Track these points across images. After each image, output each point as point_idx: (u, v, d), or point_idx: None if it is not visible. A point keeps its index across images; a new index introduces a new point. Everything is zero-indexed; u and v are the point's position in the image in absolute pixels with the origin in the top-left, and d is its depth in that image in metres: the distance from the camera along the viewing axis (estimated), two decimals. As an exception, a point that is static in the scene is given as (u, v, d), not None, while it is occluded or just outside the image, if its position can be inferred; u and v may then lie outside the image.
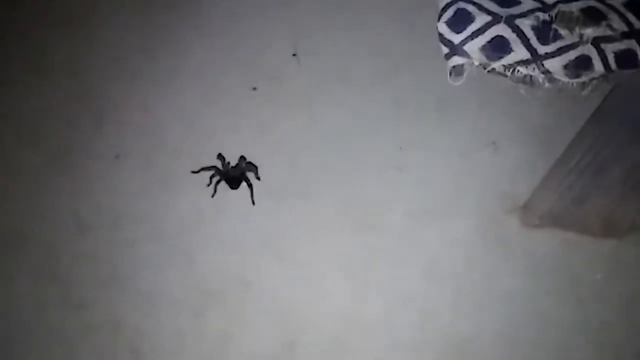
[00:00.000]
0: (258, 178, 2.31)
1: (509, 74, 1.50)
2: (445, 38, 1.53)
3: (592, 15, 1.51)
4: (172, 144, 2.36)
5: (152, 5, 2.68)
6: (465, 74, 1.54)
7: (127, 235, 2.19)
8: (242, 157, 2.32)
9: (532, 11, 1.52)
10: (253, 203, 2.27)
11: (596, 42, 1.47)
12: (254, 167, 2.32)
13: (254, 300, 2.10)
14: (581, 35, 1.48)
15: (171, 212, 2.24)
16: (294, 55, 2.54)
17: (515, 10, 1.52)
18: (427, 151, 2.36)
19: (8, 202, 2.24)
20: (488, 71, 1.51)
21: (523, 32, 1.48)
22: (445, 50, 1.53)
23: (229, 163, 2.31)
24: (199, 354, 2.02)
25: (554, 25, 1.49)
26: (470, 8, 1.53)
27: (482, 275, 2.15)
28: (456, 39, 1.52)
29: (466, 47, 1.50)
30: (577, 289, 2.13)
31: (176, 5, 2.68)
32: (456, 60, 1.52)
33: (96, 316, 2.06)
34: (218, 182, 2.27)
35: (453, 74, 1.54)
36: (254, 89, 2.48)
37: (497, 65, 1.49)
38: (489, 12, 1.52)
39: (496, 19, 1.50)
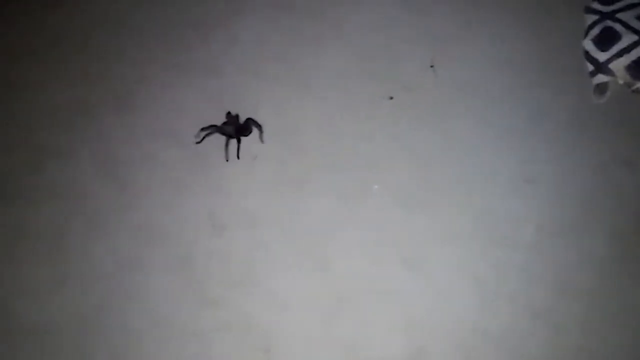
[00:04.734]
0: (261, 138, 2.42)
1: (654, 94, 1.50)
2: (590, 56, 1.54)
3: None
4: (308, 147, 2.42)
5: (292, 12, 2.76)
6: (609, 92, 1.54)
7: (261, 236, 2.25)
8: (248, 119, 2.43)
9: (680, 31, 1.51)
10: (238, 157, 2.37)
11: None
12: (258, 126, 2.42)
13: (383, 308, 2.13)
14: None
15: (306, 215, 2.29)
16: (431, 66, 2.57)
17: (663, 29, 1.52)
18: (560, 166, 2.34)
19: (149, 199, 2.33)
20: (633, 90, 1.51)
21: (671, 52, 1.48)
22: (590, 67, 1.54)
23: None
24: (328, 358, 2.06)
25: (702, 46, 1.48)
26: (618, 27, 1.52)
27: (613, 292, 2.12)
28: (602, 57, 1.52)
29: (611, 66, 1.51)
30: None
31: (317, 14, 2.75)
32: (601, 78, 1.52)
33: (229, 314, 2.12)
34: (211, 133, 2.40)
35: (597, 91, 1.55)
36: (391, 98, 2.51)
37: (643, 84, 1.49)
38: (635, 31, 1.51)
39: (643, 39, 1.50)
